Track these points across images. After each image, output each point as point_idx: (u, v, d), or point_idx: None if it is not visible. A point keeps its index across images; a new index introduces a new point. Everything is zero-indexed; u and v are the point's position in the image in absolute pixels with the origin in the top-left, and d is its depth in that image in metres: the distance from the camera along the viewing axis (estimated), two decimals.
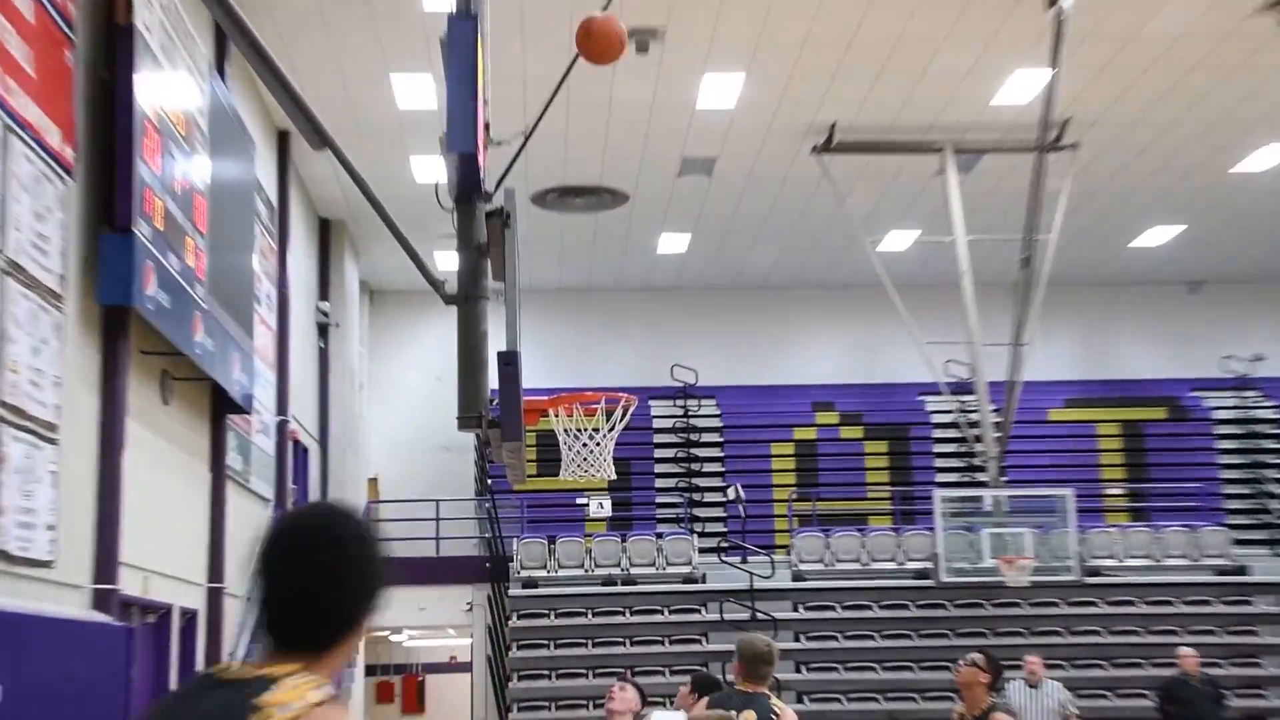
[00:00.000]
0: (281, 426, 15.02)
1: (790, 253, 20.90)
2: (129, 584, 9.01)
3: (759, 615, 15.92)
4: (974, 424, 17.94)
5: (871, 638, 16.49)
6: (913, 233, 19.50)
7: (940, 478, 20.48)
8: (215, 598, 11.54)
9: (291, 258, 15.54)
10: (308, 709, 1.75)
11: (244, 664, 1.90)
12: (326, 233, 18.58)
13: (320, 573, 1.90)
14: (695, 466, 20.87)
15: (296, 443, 16.41)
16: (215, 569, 11.61)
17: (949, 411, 19.91)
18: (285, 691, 1.78)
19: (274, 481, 14.73)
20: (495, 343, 5.46)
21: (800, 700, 15.78)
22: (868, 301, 21.94)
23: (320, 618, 1.90)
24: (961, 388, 20.15)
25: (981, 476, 18.84)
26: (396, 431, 21.73)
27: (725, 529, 19.72)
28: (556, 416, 7.72)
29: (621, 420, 7.67)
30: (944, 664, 16.09)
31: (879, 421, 21.29)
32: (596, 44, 5.14)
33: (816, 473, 20.82)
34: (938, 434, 21.15)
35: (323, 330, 18.27)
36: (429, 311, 20.69)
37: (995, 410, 17.12)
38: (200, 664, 11.25)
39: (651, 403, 21.29)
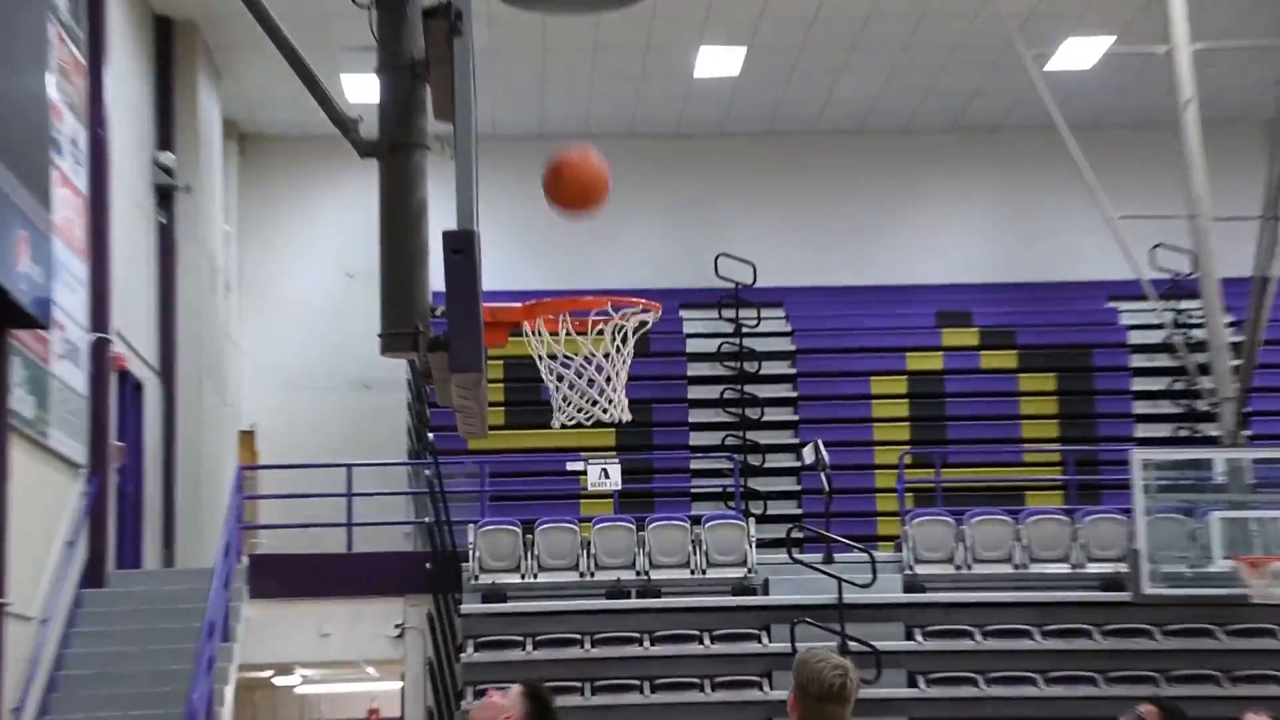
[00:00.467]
0: (99, 349, 15.03)
1: (904, 77, 20.82)
2: None
3: (853, 644, 15.86)
4: (1197, 346, 17.69)
5: (1032, 683, 16.49)
6: (1102, 42, 19.42)
7: (1141, 431, 20.49)
8: None
9: (111, 79, 15.46)
10: None
11: None
12: (168, 40, 18.54)
13: None
14: (752, 413, 20.83)
15: (125, 375, 16.45)
16: None
17: (1157, 327, 19.78)
18: None
19: (88, 436, 14.73)
20: (440, 218, 5.50)
21: None
22: (1026, 154, 21.97)
23: None
24: (1178, 288, 20.00)
25: (1209, 429, 18.62)
26: (285, 358, 21.83)
27: (799, 510, 19.73)
28: (536, 335, 7.59)
29: (634, 338, 7.55)
30: None
31: (1042, 343, 21.32)
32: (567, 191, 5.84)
33: (943, 422, 20.89)
34: (1137, 362, 21.20)
35: (165, 197, 18.24)
36: (334, 169, 20.67)
37: (1232, 325, 16.91)
38: None
39: (684, 313, 21.41)
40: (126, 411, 16.62)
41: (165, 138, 18.36)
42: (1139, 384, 21.10)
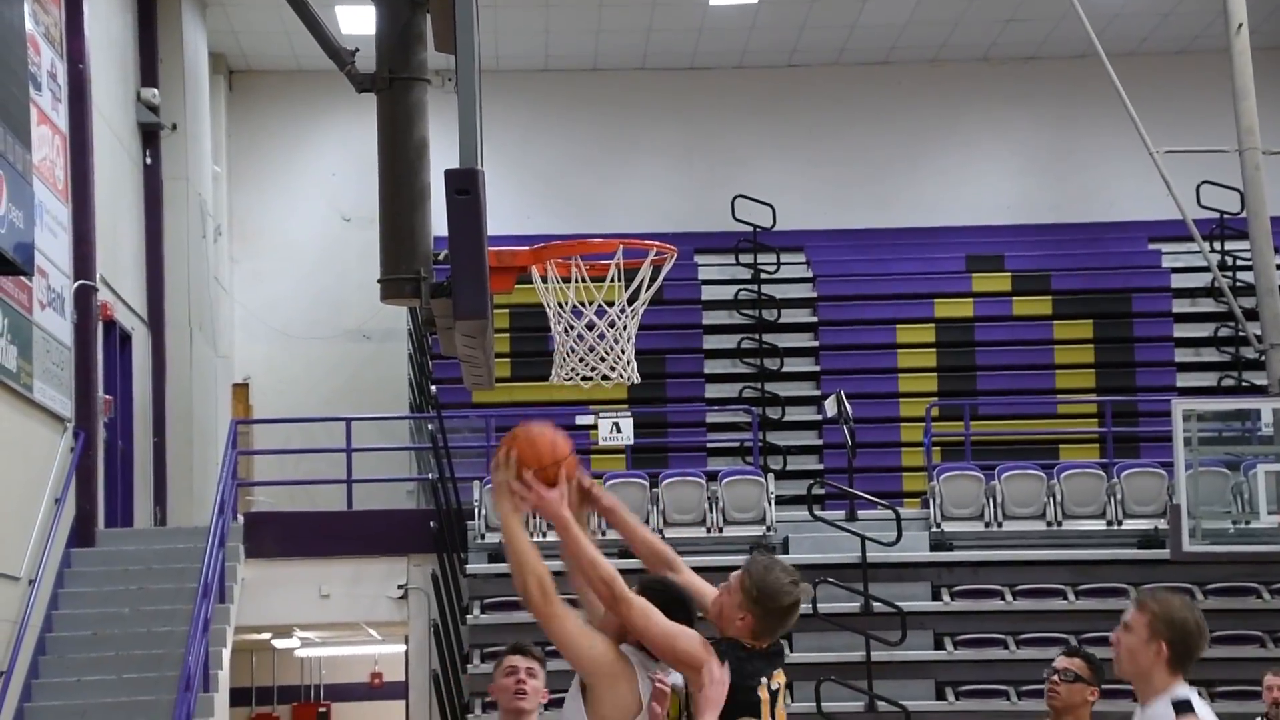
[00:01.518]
0: (84, 297, 15.06)
1: (933, 3, 20.75)
2: None
3: (876, 604, 15.95)
4: (1244, 290, 17.66)
5: (1065, 643, 16.40)
6: None
7: (1183, 380, 20.50)
8: None
9: (91, 10, 15.38)
10: None
11: None
12: None
13: None
14: (771, 364, 20.89)
15: (111, 324, 16.50)
16: None
17: (1202, 269, 19.82)
18: None
19: (74, 389, 14.78)
20: (442, 157, 5.54)
21: None
22: (1064, 84, 21.91)
23: None
24: (1224, 228, 19.96)
25: (1257, 378, 18.62)
26: (279, 307, 21.86)
27: (820, 465, 19.82)
28: (545, 280, 7.64)
29: (650, 287, 7.66)
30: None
31: (1079, 288, 21.31)
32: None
33: (973, 374, 20.89)
34: (1180, 307, 21.16)
35: (150, 136, 18.26)
36: (330, 105, 20.72)
37: None
38: None
39: (699, 258, 21.44)
40: (114, 362, 16.67)
41: (149, 73, 18.28)
42: (1181, 331, 21.05)
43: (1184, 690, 5.35)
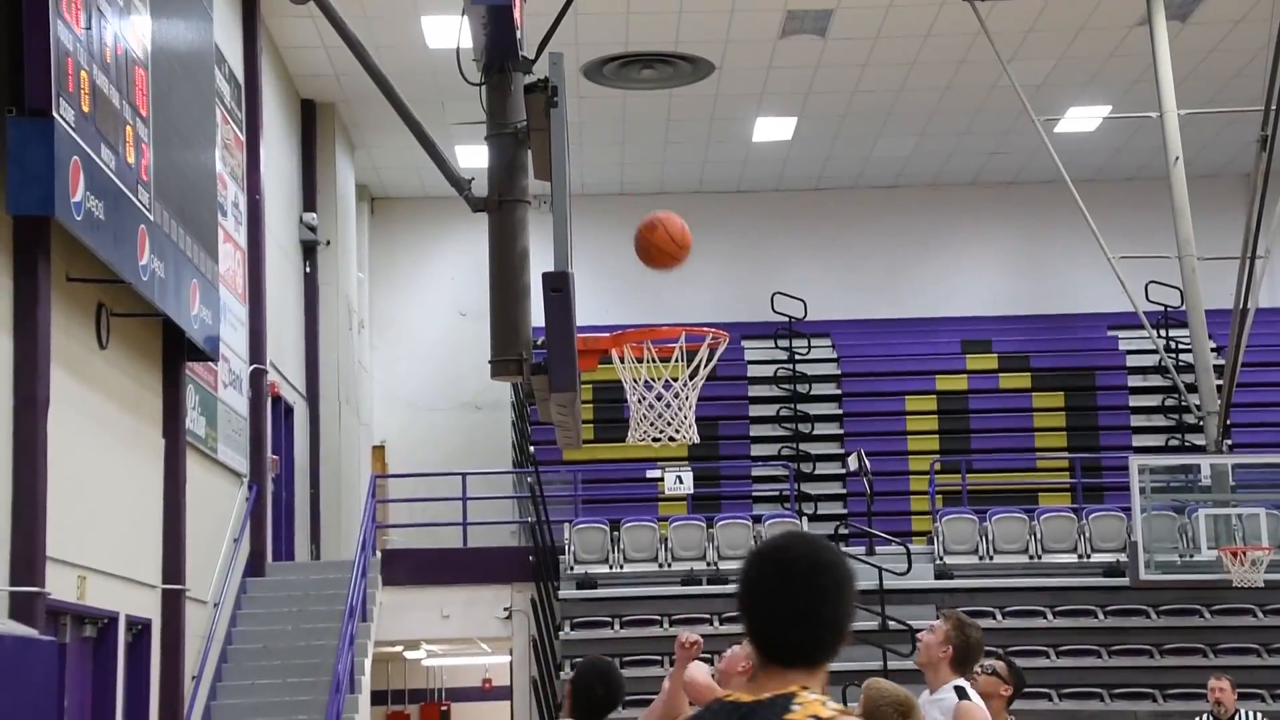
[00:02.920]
0: (257, 378, 15.15)
1: (932, 140, 20.77)
2: (59, 586, 9.04)
3: (891, 624, 15.75)
4: (1186, 368, 17.53)
5: (1045, 655, 16.32)
6: (1101, 110, 19.31)
7: (1139, 441, 20.27)
8: (173, 603, 11.61)
9: (266, 153, 15.55)
10: None
11: (746, 687, 2.69)
12: (311, 119, 18.65)
13: (815, 594, 2.68)
14: (804, 428, 20.82)
15: (278, 399, 16.59)
16: (173, 566, 11.68)
17: (1151, 352, 19.64)
18: (803, 710, 2.62)
19: (249, 450, 14.90)
20: (539, 262, 5.48)
21: None
22: (1038, 204, 21.86)
23: (815, 634, 2.69)
24: (1168, 318, 19.84)
25: (1197, 439, 18.45)
26: (409, 384, 21.96)
27: (844, 510, 19.71)
28: (622, 361, 7.62)
29: (707, 366, 7.62)
30: (1145, 690, 15.84)
31: (1053, 366, 21.11)
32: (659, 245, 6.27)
33: (968, 435, 20.72)
34: (1135, 382, 20.96)
35: (309, 251, 18.42)
36: (450, 223, 20.90)
37: (1216, 349, 16.74)
38: (156, 685, 11.34)
39: (745, 343, 21.34)
40: (280, 430, 16.76)
41: (309, 200, 18.50)
42: (1136, 401, 20.84)
43: (962, 682, 6.02)
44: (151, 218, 10.05)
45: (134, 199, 9.66)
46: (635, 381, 7.75)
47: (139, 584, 11.03)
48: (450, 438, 21.46)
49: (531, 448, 19.17)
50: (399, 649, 21.42)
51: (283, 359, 16.82)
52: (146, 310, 10.36)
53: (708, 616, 16.65)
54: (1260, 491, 15.77)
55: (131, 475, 10.97)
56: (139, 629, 11.10)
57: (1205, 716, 11.32)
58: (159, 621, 11.41)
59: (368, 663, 15.29)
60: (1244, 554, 14.94)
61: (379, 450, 21.56)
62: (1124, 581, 16.03)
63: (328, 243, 18.63)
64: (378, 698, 22.33)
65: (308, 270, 18.39)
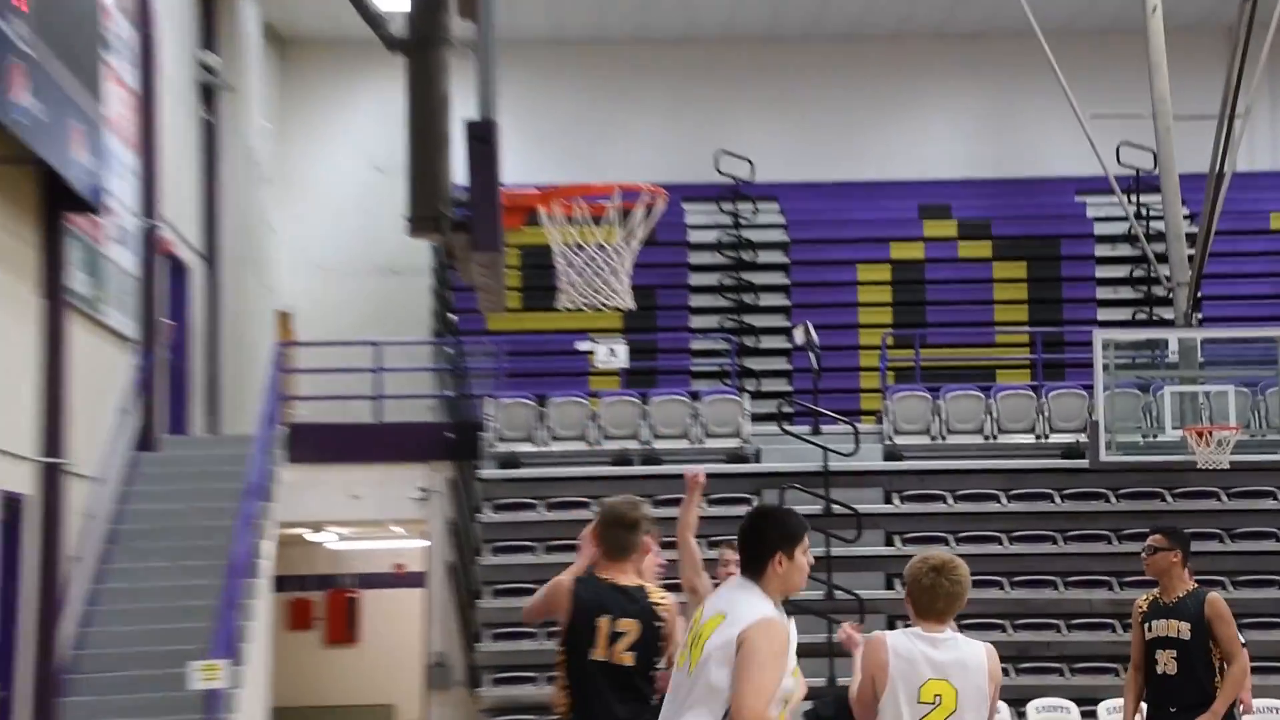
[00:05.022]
0: (149, 234, 15.01)
1: None
2: None
3: (836, 507, 15.99)
4: (1157, 236, 17.66)
5: (998, 540, 16.58)
6: None
7: (1103, 314, 20.47)
8: (52, 477, 11.56)
9: None
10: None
11: None
12: None
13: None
14: (748, 298, 20.86)
15: (172, 258, 16.44)
16: (52, 438, 11.61)
17: (1119, 219, 19.75)
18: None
19: (139, 313, 14.76)
20: (463, 110, 5.50)
21: (893, 625, 15.78)
22: (1005, 58, 21.75)
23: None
24: (1140, 183, 19.93)
25: (1165, 313, 18.65)
26: (318, 244, 21.76)
27: (789, 387, 19.78)
28: (551, 219, 7.55)
29: (644, 226, 7.53)
30: (1101, 577, 16.11)
31: (1015, 234, 21.25)
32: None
33: (923, 307, 20.87)
34: (1101, 251, 21.12)
35: (208, 95, 18.13)
36: (366, 69, 20.51)
37: (1190, 216, 16.84)
38: (35, 566, 11.30)
39: (686, 206, 21.27)
40: (174, 292, 16.61)
41: (208, 40, 18.15)
42: (1102, 272, 21.04)
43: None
44: (28, 51, 9.78)
45: (6, 31, 9.39)
46: (565, 243, 7.70)
47: (12, 456, 10.96)
48: (363, 304, 21.31)
49: (452, 316, 19.11)
50: (303, 531, 21.46)
51: (178, 214, 16.59)
52: (21, 155, 10.20)
53: (641, 499, 16.77)
54: (1229, 368, 16.02)
55: (4, 336, 10.83)
56: (14, 505, 11.03)
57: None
58: (37, 497, 11.34)
59: (269, 546, 15.32)
60: (1210, 434, 15.16)
61: (285, 316, 21.43)
62: (1084, 464, 16.26)
63: (230, 88, 18.36)
64: (280, 584, 22.31)
65: (207, 118, 18.11)
